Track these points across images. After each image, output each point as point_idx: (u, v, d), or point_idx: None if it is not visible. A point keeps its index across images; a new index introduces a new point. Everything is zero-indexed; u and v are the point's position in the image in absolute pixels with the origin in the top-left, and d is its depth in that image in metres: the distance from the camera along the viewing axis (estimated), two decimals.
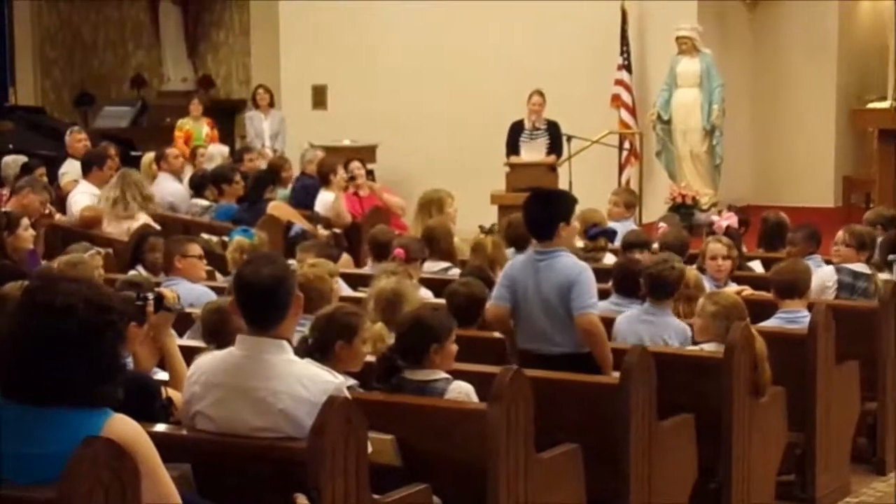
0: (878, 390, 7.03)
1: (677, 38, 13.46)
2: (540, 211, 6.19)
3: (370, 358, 5.70)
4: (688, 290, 6.70)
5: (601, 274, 7.94)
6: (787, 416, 6.21)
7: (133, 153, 14.17)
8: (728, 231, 8.75)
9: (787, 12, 15.07)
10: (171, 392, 4.59)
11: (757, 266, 8.50)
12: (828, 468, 6.55)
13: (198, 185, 11.52)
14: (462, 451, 4.72)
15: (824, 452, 6.50)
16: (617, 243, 9.08)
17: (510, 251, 8.48)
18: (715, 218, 9.55)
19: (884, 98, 13.45)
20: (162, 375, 4.87)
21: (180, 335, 5.91)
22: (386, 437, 4.71)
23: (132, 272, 7.45)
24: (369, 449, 4.17)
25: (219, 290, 6.90)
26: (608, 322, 6.42)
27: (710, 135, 13.42)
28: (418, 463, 4.72)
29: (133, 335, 4.51)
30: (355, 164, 11.48)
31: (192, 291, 6.92)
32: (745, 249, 8.80)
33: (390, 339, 5.79)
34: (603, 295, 7.14)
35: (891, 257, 7.89)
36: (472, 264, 7.68)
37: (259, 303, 4.16)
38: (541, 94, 12.93)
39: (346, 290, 7.26)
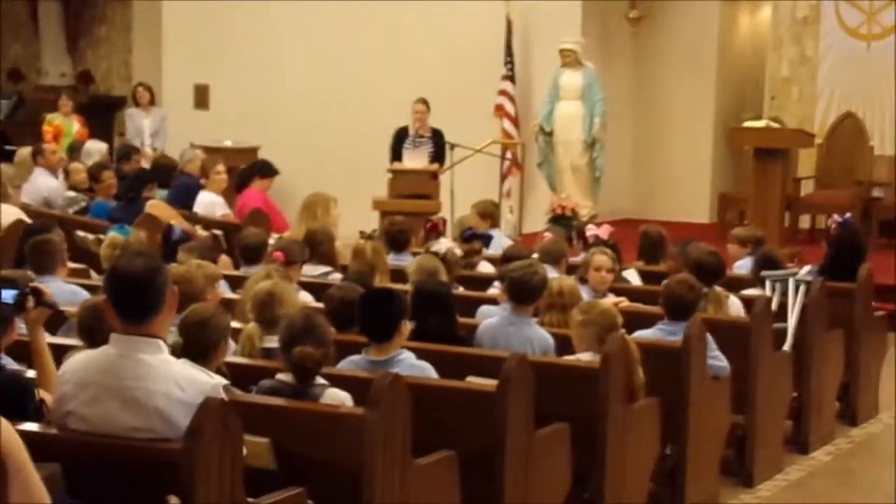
0: (748, 404, 7.15)
1: (561, 51, 13.60)
2: (380, 311, 5.63)
3: (243, 360, 5.69)
4: (562, 300, 6.76)
5: (476, 281, 8.02)
6: (660, 428, 6.29)
7: (8, 147, 13.88)
8: (607, 242, 8.85)
9: (669, 30, 15.32)
10: (42, 392, 4.50)
11: (632, 277, 8.61)
12: (697, 479, 6.64)
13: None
14: (338, 455, 4.69)
15: (694, 464, 6.60)
16: (493, 250, 9.15)
17: (390, 256, 8.50)
18: (590, 228, 9.64)
19: (759, 117, 13.73)
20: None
21: (53, 333, 5.81)
22: (261, 439, 4.67)
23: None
24: (244, 451, 4.14)
25: (93, 289, 6.78)
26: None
27: (591, 147, 13.58)
28: (294, 466, 4.69)
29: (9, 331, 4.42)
30: None
31: (64, 289, 6.80)
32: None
33: (264, 342, 5.76)
34: (477, 301, 7.21)
35: (763, 273, 8.04)
36: (353, 270, 7.65)
37: (133, 294, 4.06)
38: (424, 102, 12.96)
39: (227, 292, 7.20)
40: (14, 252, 8.06)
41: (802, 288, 7.78)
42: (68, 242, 7.72)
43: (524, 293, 6.56)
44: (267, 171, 11.59)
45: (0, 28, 18.35)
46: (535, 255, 8.25)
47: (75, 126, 14.39)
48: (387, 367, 5.39)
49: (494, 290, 7.37)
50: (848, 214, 9.60)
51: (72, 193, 11.14)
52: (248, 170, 11.69)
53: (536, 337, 6.46)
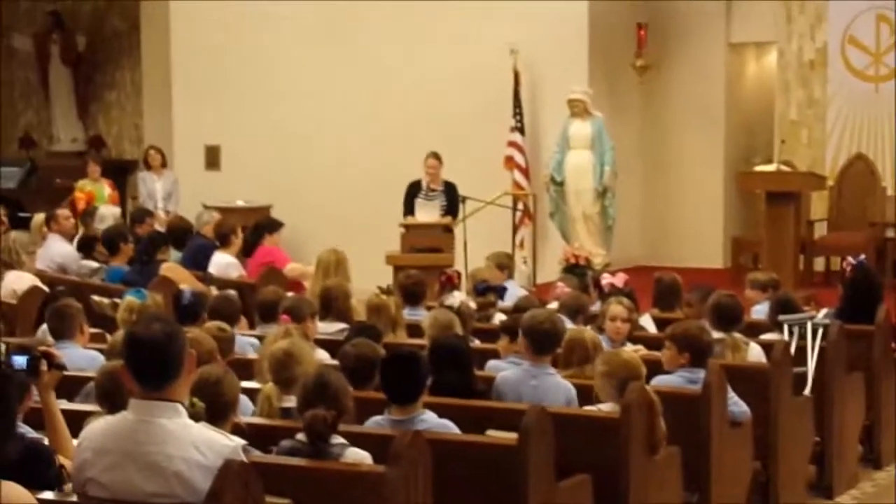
0: (770, 450, 7.10)
1: (569, 101, 13.63)
2: (405, 375, 5.62)
3: (262, 420, 5.67)
4: (587, 353, 6.72)
5: (492, 334, 7.99)
6: (682, 476, 6.25)
7: (22, 214, 13.94)
8: (622, 290, 8.82)
9: (676, 77, 15.37)
10: (62, 459, 4.48)
11: (648, 324, 8.58)
12: None
13: (86, 247, 11.37)
14: None
15: None
16: (508, 302, 9.13)
17: (405, 310, 8.49)
18: (605, 277, 9.62)
19: (770, 161, 13.74)
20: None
21: (71, 399, 5.81)
22: (283, 501, 4.65)
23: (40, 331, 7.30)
24: None
25: (110, 354, 6.77)
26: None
27: (602, 196, 13.58)
28: None
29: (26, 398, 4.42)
30: None
31: (83, 355, 6.80)
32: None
33: (282, 401, 5.74)
34: (493, 354, 7.18)
35: (780, 318, 8.01)
36: (358, 324, 7.62)
37: (151, 359, 4.06)
38: (437, 156, 13.00)
39: (249, 352, 7.20)
40: (32, 319, 8.08)
41: (820, 331, 7.74)
42: (84, 307, 7.73)
43: (546, 344, 6.53)
44: (273, 226, 11.68)
45: (12, 95, 18.50)
46: (554, 307, 8.23)
47: (106, 190, 14.53)
48: (409, 427, 5.37)
49: (502, 342, 7.30)
50: (862, 256, 9.57)
51: (93, 264, 11.12)
52: (255, 232, 11.69)
53: (562, 388, 6.44)
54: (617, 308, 7.78)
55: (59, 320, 7.11)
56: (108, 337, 7.93)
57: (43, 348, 4.85)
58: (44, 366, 4.60)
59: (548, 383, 6.45)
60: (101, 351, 7.02)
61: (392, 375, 5.66)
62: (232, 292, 8.64)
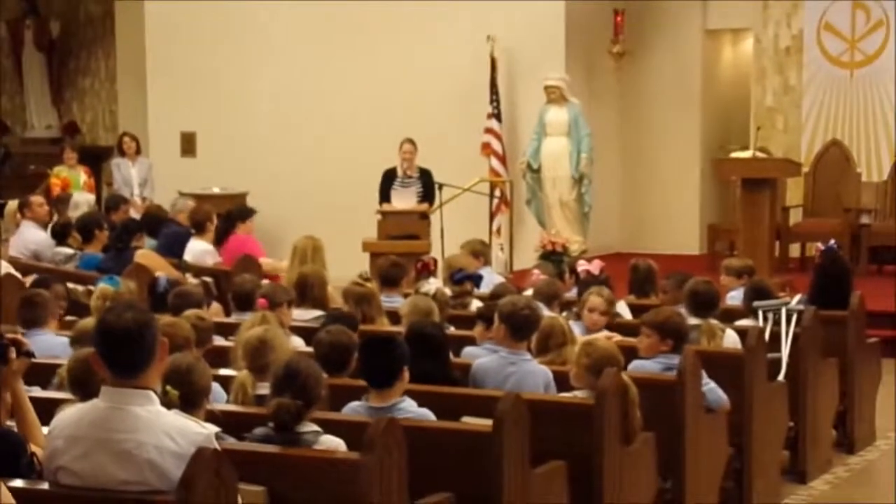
0: (744, 436, 7.12)
1: (546, 88, 13.64)
2: (382, 357, 5.58)
3: (236, 407, 5.65)
4: (564, 338, 6.73)
5: (468, 321, 7.99)
6: (657, 462, 6.26)
7: None
8: (598, 277, 8.82)
9: (653, 64, 15.39)
10: (33, 447, 4.45)
11: (623, 311, 8.58)
12: None
13: (60, 234, 11.31)
14: (334, 501, 4.65)
15: (693, 496, 6.55)
16: (484, 289, 9.12)
17: (382, 296, 8.47)
18: (581, 263, 9.62)
19: (746, 147, 13.77)
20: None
21: (44, 387, 5.78)
22: (256, 488, 4.63)
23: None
24: (239, 501, 4.10)
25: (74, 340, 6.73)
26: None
27: (579, 183, 13.61)
28: None
29: None
30: None
31: (55, 342, 6.76)
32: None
33: (257, 388, 5.73)
34: (469, 341, 7.17)
35: (755, 304, 8.02)
36: (334, 311, 7.59)
37: (123, 348, 4.03)
38: (412, 142, 12.98)
39: (219, 339, 7.16)
40: (5, 306, 8.03)
41: (794, 317, 7.76)
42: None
43: (525, 330, 6.53)
44: (245, 214, 11.64)
45: None
46: (529, 294, 8.22)
47: (82, 177, 14.50)
48: (387, 415, 5.35)
49: (478, 328, 7.28)
50: (832, 241, 9.58)
51: (67, 250, 11.06)
52: (227, 220, 11.63)
53: (540, 372, 6.44)
54: (596, 300, 7.78)
55: (31, 309, 7.07)
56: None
57: (10, 335, 4.80)
58: (12, 353, 4.56)
59: (526, 369, 6.45)
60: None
61: (369, 358, 5.64)
62: (192, 284, 8.59)
